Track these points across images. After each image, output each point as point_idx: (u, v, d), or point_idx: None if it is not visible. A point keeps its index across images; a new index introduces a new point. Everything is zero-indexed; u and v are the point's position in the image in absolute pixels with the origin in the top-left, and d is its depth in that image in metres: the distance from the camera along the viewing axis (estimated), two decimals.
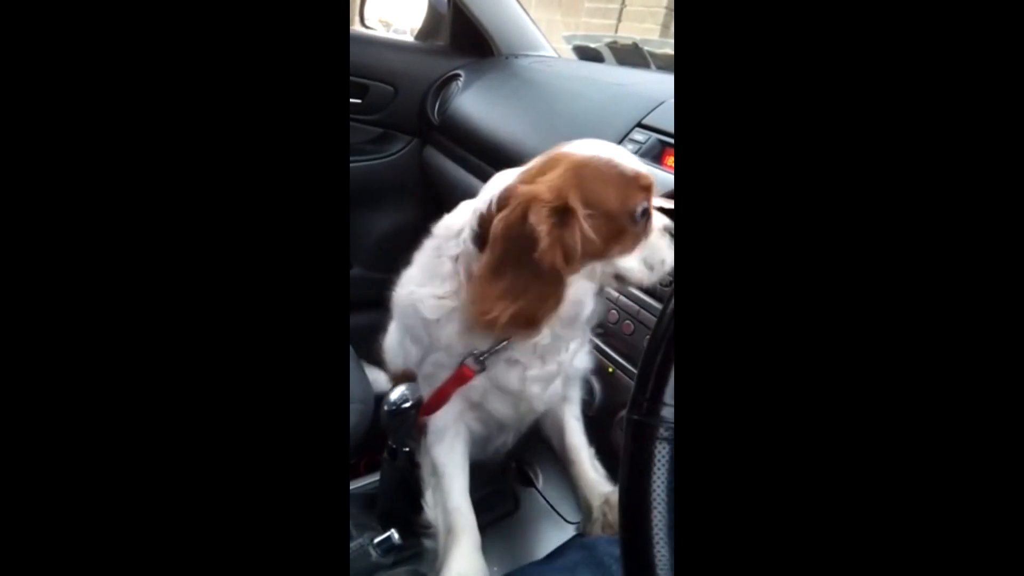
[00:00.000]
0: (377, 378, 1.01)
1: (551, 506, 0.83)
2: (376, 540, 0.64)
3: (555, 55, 1.58)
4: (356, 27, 1.72)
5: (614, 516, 0.69)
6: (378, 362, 0.97)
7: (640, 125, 0.96)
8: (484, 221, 0.62)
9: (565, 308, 0.62)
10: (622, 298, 0.83)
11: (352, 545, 0.63)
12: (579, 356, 0.77)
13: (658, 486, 0.34)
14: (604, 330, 0.86)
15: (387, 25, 1.98)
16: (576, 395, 0.82)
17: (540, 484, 0.87)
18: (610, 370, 0.84)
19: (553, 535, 0.82)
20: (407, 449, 0.74)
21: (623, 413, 0.83)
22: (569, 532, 0.81)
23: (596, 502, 0.72)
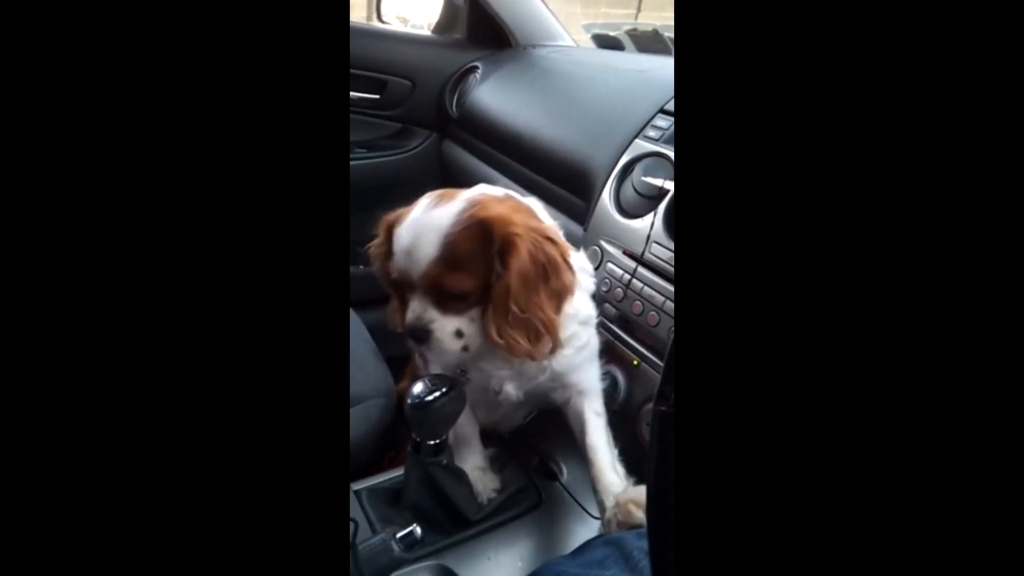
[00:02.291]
0: None
1: (575, 500, 0.82)
2: (399, 535, 0.64)
3: (574, 45, 1.56)
4: (373, 22, 1.73)
5: (624, 515, 0.69)
6: None
7: (662, 111, 0.94)
8: None
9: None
10: (646, 288, 0.81)
11: (374, 540, 0.63)
12: (562, 355, 0.74)
13: None
14: (628, 322, 0.84)
15: (404, 21, 1.98)
16: (592, 386, 0.80)
17: (564, 478, 0.86)
18: (635, 363, 0.82)
19: (578, 529, 0.81)
20: (432, 443, 0.73)
21: (649, 406, 0.82)
22: (594, 526, 0.80)
23: (609, 502, 0.72)
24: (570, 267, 0.70)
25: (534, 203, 0.77)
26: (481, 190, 0.72)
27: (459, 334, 0.68)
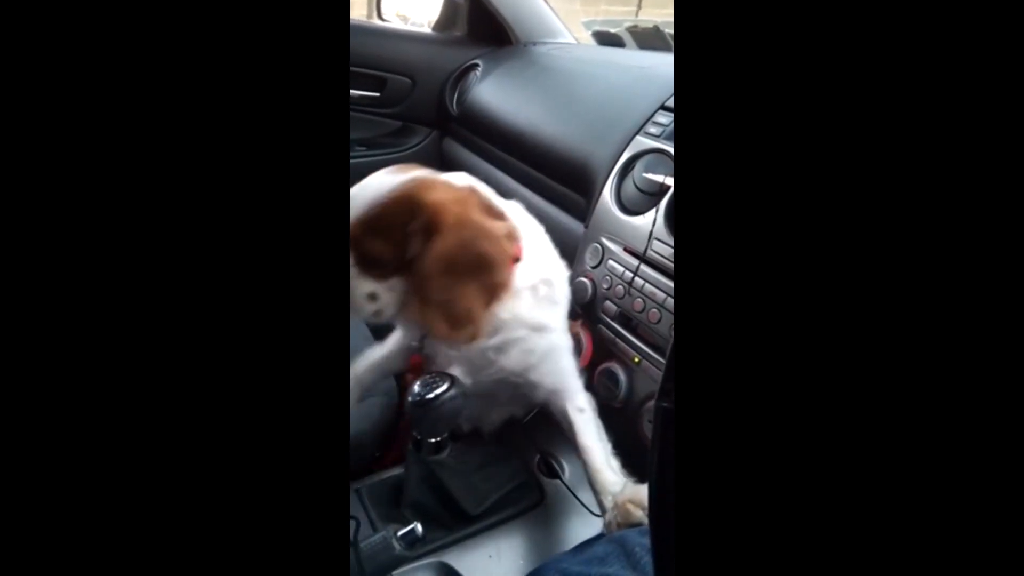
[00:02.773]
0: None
1: (577, 498, 0.82)
2: (400, 532, 0.64)
3: (574, 42, 1.55)
4: (373, 20, 1.72)
5: (623, 515, 0.69)
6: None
7: (663, 108, 0.93)
8: None
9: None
10: (647, 285, 0.81)
11: (375, 537, 0.63)
12: (508, 354, 0.75)
13: None
14: (629, 319, 0.84)
15: (404, 19, 1.98)
16: (565, 384, 0.80)
17: (566, 476, 0.85)
18: (636, 360, 0.82)
19: (580, 527, 0.81)
20: (433, 440, 0.73)
21: (650, 403, 0.81)
22: (596, 524, 0.80)
23: (608, 502, 0.72)
24: (509, 267, 0.70)
25: (513, 205, 0.77)
26: (458, 177, 0.73)
27: (373, 297, 0.70)
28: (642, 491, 0.70)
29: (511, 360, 0.76)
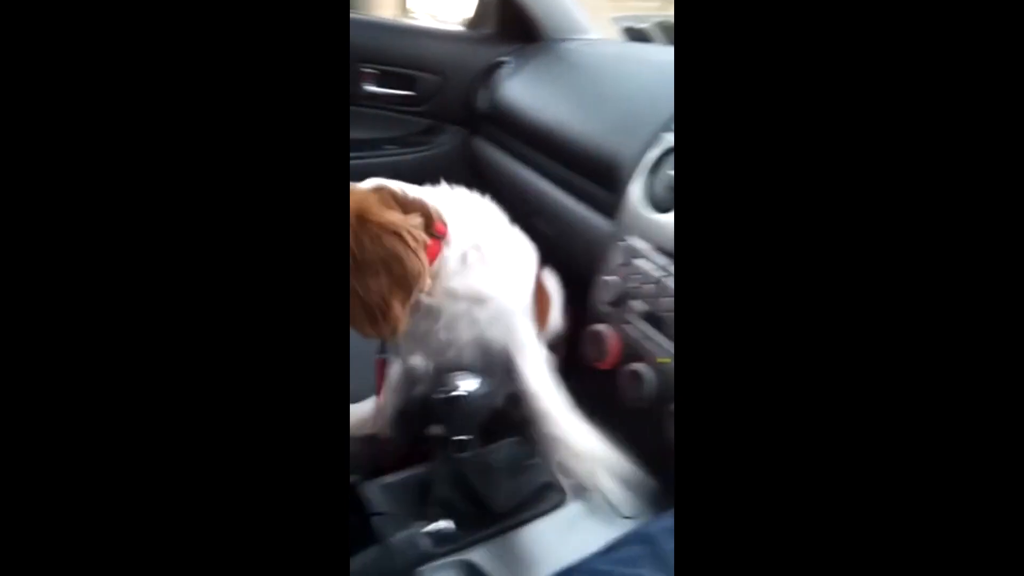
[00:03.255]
0: None
1: (603, 499, 0.82)
2: (428, 530, 0.64)
3: (603, 38, 1.54)
4: (402, 19, 1.74)
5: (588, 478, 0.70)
6: None
7: None
8: None
9: None
10: (672, 284, 0.80)
11: (401, 535, 0.63)
12: (457, 330, 0.79)
13: None
14: (659, 319, 0.83)
15: (434, 17, 1.99)
16: (519, 338, 0.82)
17: None
18: (665, 360, 0.81)
19: (605, 528, 0.80)
20: (461, 438, 0.73)
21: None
22: (622, 524, 0.79)
23: (581, 467, 0.77)
24: (419, 258, 0.72)
25: (436, 188, 0.81)
26: (368, 182, 0.76)
27: None
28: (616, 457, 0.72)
29: (460, 335, 0.79)
